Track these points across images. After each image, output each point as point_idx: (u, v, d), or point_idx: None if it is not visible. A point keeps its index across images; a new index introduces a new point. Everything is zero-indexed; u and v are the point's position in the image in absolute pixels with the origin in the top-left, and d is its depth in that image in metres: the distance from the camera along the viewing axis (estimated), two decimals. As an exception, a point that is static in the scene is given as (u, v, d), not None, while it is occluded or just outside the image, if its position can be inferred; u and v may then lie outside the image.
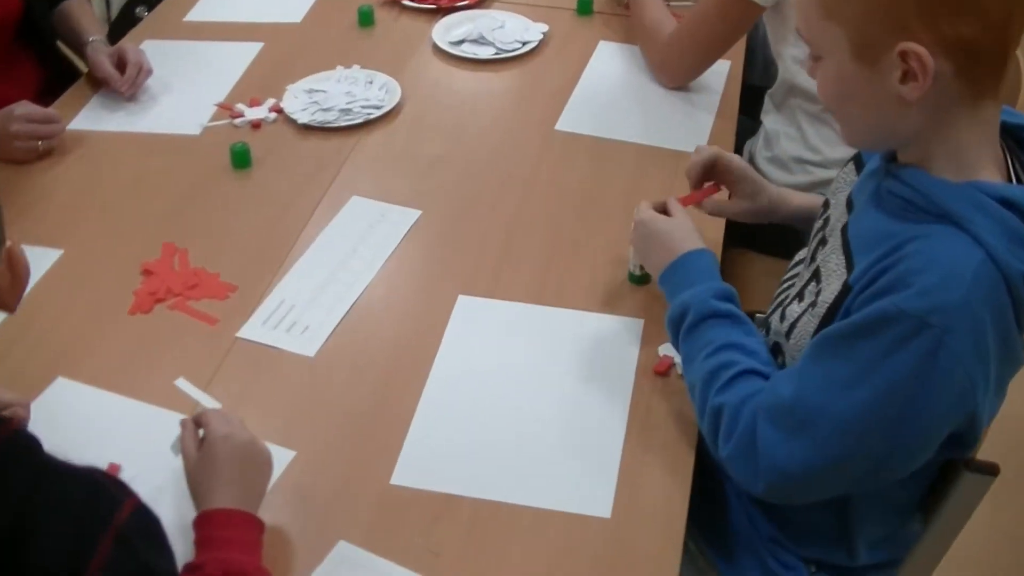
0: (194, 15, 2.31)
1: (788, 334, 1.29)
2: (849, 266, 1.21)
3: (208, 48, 2.19)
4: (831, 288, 1.23)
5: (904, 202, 1.15)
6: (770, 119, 2.01)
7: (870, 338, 1.11)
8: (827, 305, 1.22)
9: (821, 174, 1.93)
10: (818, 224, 1.39)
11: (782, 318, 1.32)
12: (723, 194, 1.59)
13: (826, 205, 1.40)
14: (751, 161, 2.04)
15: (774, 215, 1.59)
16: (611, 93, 2.03)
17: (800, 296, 1.30)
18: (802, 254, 1.44)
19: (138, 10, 2.75)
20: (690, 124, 1.95)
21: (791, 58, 1.90)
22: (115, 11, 2.91)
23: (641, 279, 1.58)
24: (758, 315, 1.45)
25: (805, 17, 1.17)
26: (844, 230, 1.25)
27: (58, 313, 1.54)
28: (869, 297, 1.13)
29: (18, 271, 1.10)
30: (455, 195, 1.77)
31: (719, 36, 1.96)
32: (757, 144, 2.05)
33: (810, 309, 1.26)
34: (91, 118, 1.97)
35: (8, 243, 1.07)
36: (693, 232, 1.46)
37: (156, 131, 1.93)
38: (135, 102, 2.00)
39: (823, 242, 1.33)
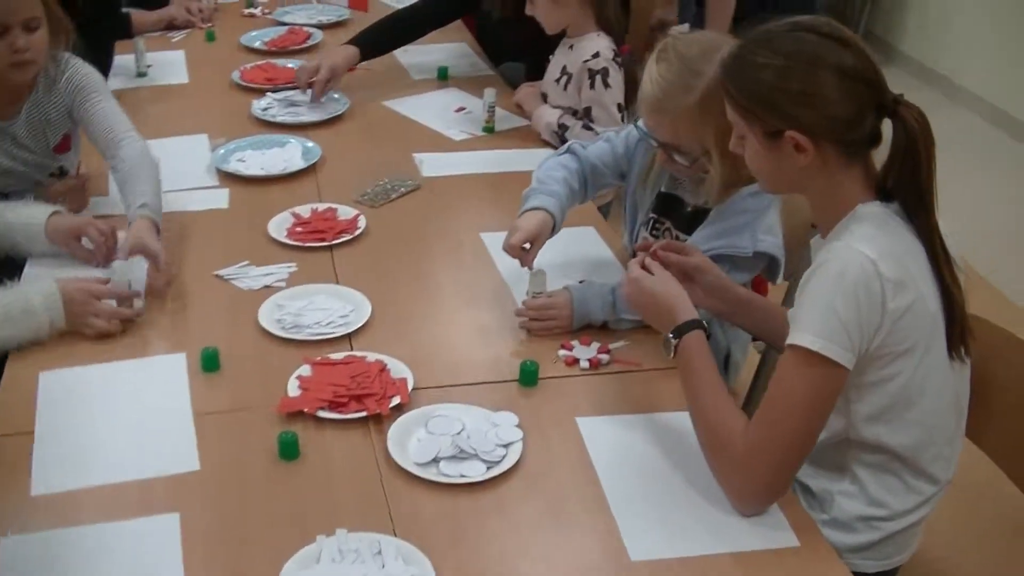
0: (39, 488, 1.69)
1: None
2: None
3: (103, 536, 1.60)
4: None
5: None
6: (811, 479, 1.79)
7: None
8: None
9: (890, 527, 1.77)
10: None
11: None
12: None
13: None
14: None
15: None
16: (650, 496, 1.70)
17: None
18: None
19: None
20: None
21: (866, 416, 1.67)
22: None
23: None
24: None
25: None
26: None
27: None
28: None
29: None
30: None
31: (812, 422, 1.61)
32: (797, 508, 1.81)
33: None
34: None
35: None
36: None
37: None
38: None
39: None
